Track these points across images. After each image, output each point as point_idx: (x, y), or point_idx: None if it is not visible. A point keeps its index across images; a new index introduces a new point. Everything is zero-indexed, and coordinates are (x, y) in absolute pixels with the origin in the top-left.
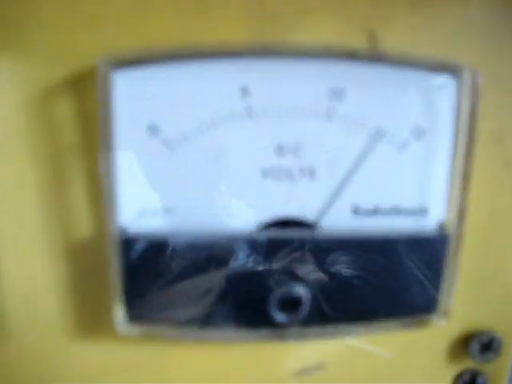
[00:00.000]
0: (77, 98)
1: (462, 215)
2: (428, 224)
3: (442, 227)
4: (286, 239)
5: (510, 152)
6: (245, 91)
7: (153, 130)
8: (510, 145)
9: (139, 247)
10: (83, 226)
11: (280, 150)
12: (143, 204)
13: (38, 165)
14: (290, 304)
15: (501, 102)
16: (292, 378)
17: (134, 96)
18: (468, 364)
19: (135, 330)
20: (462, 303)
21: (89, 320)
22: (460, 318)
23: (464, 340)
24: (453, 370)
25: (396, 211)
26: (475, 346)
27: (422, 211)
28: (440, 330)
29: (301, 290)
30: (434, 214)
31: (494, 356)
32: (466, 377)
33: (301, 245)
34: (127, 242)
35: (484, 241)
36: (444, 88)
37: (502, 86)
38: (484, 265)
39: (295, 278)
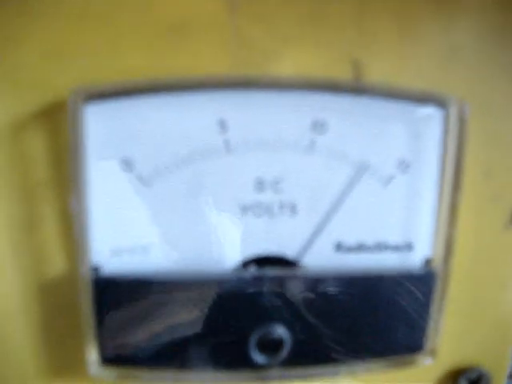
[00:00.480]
0: (48, 131)
1: (448, 251)
2: (414, 260)
3: (428, 263)
4: (266, 277)
5: (498, 185)
6: (223, 125)
7: (127, 164)
8: (498, 178)
9: (113, 287)
10: (55, 264)
11: (260, 185)
12: (117, 242)
13: (7, 200)
14: (271, 345)
15: (489, 133)
16: None
17: (106, 129)
18: None
19: (109, 372)
20: (450, 339)
21: (62, 361)
22: (447, 355)
23: (452, 377)
24: None
25: (380, 247)
26: (463, 383)
27: (408, 247)
28: (427, 367)
29: (281, 331)
30: (420, 250)
31: None
32: None
33: (281, 283)
34: (100, 283)
35: (471, 276)
36: (430, 119)
37: (490, 116)
38: (471, 301)
39: (275, 317)
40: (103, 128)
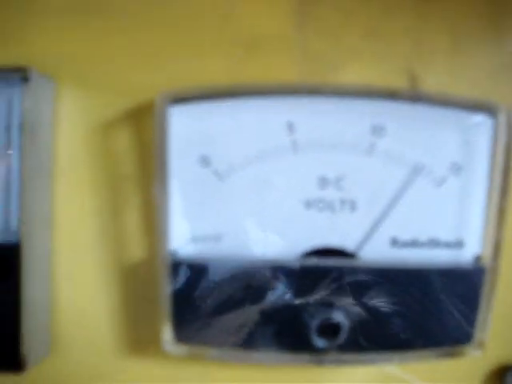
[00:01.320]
0: (135, 131)
1: (497, 249)
2: (464, 257)
3: (478, 260)
4: (327, 268)
5: None
6: (291, 127)
7: (204, 161)
8: None
9: (187, 271)
10: (135, 250)
11: (323, 183)
12: (193, 230)
13: (97, 192)
14: (330, 330)
15: None
16: None
17: (188, 129)
18: None
19: (181, 349)
20: (498, 335)
21: (139, 339)
22: (495, 350)
23: (499, 372)
24: None
25: (433, 243)
26: (510, 379)
27: (459, 244)
28: (475, 362)
29: (340, 317)
30: (471, 247)
31: None
32: None
33: (340, 274)
34: (176, 266)
35: None
36: (481, 127)
37: None
38: None
39: (335, 305)
40: (185, 128)
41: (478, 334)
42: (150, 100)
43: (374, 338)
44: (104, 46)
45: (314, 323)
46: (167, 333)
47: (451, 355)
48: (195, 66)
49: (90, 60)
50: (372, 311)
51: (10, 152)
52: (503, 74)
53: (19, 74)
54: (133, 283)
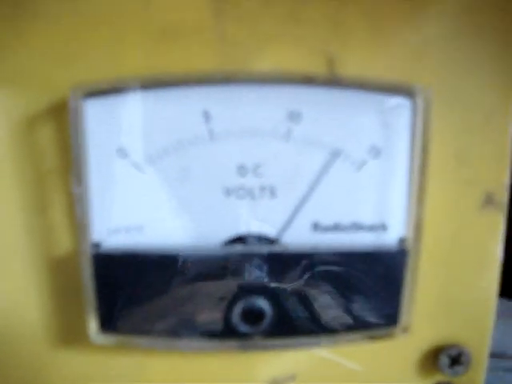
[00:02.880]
0: (56, 126)
1: (419, 231)
2: (388, 239)
3: (401, 242)
4: (249, 254)
5: (471, 170)
6: (207, 115)
7: (122, 152)
8: (471, 164)
9: (110, 262)
10: (62, 243)
11: (242, 170)
12: (115, 222)
13: (21, 187)
14: (253, 316)
15: (461, 122)
16: None
17: (103, 122)
18: (440, 378)
19: (108, 339)
20: (430, 317)
21: (67, 330)
22: (427, 331)
23: (433, 354)
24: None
25: (356, 227)
26: (444, 360)
27: (382, 227)
28: (408, 343)
29: (262, 303)
30: (394, 230)
31: (464, 370)
32: None
33: (263, 259)
34: (99, 258)
35: (449, 256)
36: (399, 109)
37: (460, 106)
38: (450, 280)
39: (257, 291)
40: (101, 121)
41: (403, 317)
42: (68, 95)
43: (299, 322)
44: (23, 45)
45: (238, 310)
46: (93, 323)
47: (378, 338)
48: (112, 58)
49: (11, 58)
50: (296, 296)
51: None
52: (423, 57)
53: None
54: (61, 275)
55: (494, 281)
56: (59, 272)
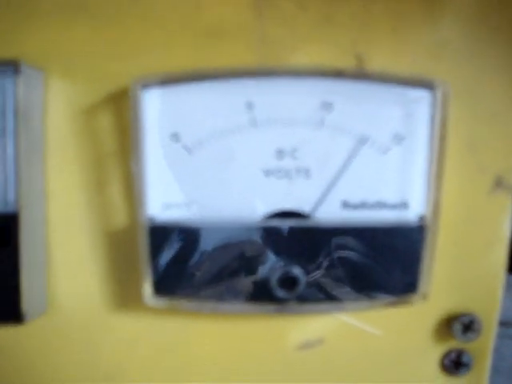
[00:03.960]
0: (115, 113)
1: (437, 209)
2: (409, 217)
3: (421, 219)
4: (286, 227)
5: (483, 158)
6: (250, 105)
7: (175, 137)
8: (483, 151)
9: (163, 233)
10: (118, 218)
11: (280, 154)
12: (168, 198)
13: (83, 168)
14: (289, 283)
15: (474, 113)
16: (295, 351)
17: (159, 110)
18: (453, 343)
19: (160, 302)
20: (445, 288)
21: (123, 296)
22: (442, 301)
23: (447, 321)
24: (440, 349)
25: (380, 205)
26: (457, 327)
27: (404, 205)
28: (425, 311)
29: (297, 271)
30: (415, 208)
31: (475, 336)
32: (453, 355)
33: (298, 233)
34: (154, 230)
35: (461, 234)
36: (420, 100)
37: (474, 98)
38: (463, 254)
39: (294, 260)
40: (157, 109)
41: (422, 285)
42: (126, 86)
43: (329, 289)
44: (86, 40)
45: (275, 277)
46: (148, 288)
47: (398, 304)
48: (165, 54)
49: (74, 53)
50: (326, 266)
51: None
52: (442, 54)
53: (11, 67)
54: (117, 247)
55: (503, 256)
56: (116, 243)
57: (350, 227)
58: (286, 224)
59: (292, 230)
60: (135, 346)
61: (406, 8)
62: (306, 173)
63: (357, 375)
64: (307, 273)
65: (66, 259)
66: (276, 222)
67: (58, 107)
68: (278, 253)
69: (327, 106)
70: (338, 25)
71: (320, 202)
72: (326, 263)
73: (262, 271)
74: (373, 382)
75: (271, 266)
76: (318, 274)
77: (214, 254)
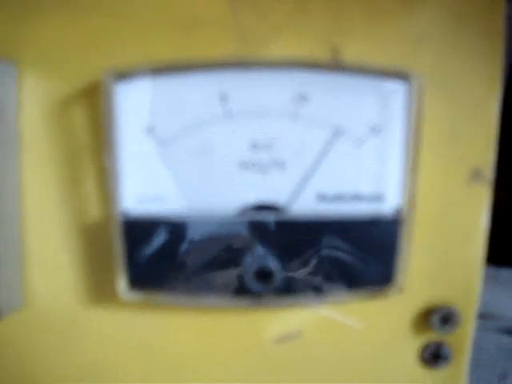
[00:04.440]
0: (88, 106)
1: (413, 201)
2: (385, 209)
3: (397, 212)
4: (262, 221)
5: (461, 150)
6: (224, 97)
7: (149, 130)
8: (460, 143)
9: (137, 227)
10: (92, 212)
11: (254, 146)
12: (142, 192)
13: (57, 161)
14: (264, 276)
15: (451, 103)
16: (272, 345)
17: (132, 103)
18: (432, 336)
19: (135, 295)
20: (423, 280)
21: (98, 290)
22: (421, 293)
23: (426, 313)
24: (418, 342)
25: (356, 198)
26: (436, 319)
27: (380, 198)
28: (403, 304)
29: (273, 264)
30: (390, 201)
31: (453, 328)
32: (431, 348)
33: (273, 226)
34: (128, 223)
35: (440, 225)
36: (396, 92)
37: (454, 91)
38: (441, 247)
39: (269, 253)
40: (130, 102)
41: (398, 278)
42: (100, 79)
43: (304, 282)
44: (58, 33)
45: (251, 270)
46: (122, 282)
47: (375, 296)
48: (139, 46)
49: (47, 46)
50: (302, 258)
51: None
52: (418, 45)
53: None
54: (93, 241)
55: (480, 248)
56: (91, 238)
57: (325, 220)
58: (261, 217)
59: (267, 223)
60: (112, 341)
61: None
62: (281, 165)
63: (335, 368)
64: (283, 266)
65: (41, 254)
66: (251, 215)
67: (31, 102)
68: (253, 246)
69: (302, 98)
70: (312, 15)
71: (295, 194)
72: (302, 256)
73: (238, 264)
74: (351, 376)
75: (247, 259)
76: (294, 268)
77: (190, 247)
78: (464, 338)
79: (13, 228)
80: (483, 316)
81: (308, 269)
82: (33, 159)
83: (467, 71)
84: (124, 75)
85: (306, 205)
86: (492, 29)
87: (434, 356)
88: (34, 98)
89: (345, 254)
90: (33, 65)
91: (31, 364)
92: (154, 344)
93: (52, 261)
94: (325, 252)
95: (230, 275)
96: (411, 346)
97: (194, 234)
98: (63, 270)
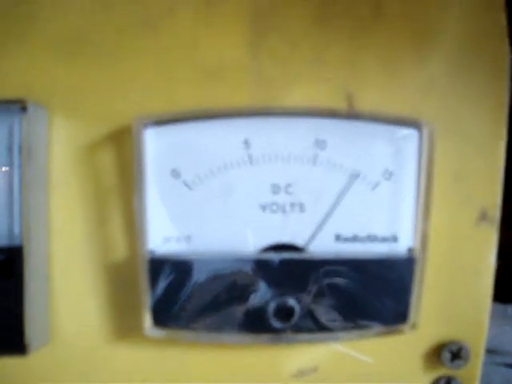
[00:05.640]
0: (115, 149)
1: (425, 242)
2: (398, 249)
3: (410, 252)
4: (281, 260)
5: (467, 188)
6: (247, 143)
7: (175, 173)
8: (468, 182)
9: (163, 266)
10: (118, 251)
11: (275, 189)
12: (167, 232)
13: (84, 203)
14: (284, 313)
15: (459, 146)
16: (290, 380)
17: (160, 148)
18: (442, 371)
19: (159, 333)
20: (433, 317)
21: (122, 327)
22: (431, 329)
23: (436, 349)
24: (429, 376)
25: (371, 238)
26: (446, 355)
27: (393, 238)
28: (414, 340)
29: (292, 302)
30: (404, 241)
31: (463, 363)
32: (442, 382)
33: (293, 265)
34: (154, 262)
35: (449, 264)
36: (408, 139)
37: (459, 133)
38: (451, 285)
39: (289, 291)
40: (158, 146)
41: (411, 315)
42: (127, 123)
43: (322, 319)
44: (88, 79)
45: (272, 307)
46: (147, 319)
47: (389, 333)
48: (165, 92)
49: (77, 91)
50: (320, 296)
51: (5, 169)
52: (430, 91)
53: (18, 105)
54: (117, 279)
55: (489, 286)
56: (116, 276)
57: (342, 259)
58: (281, 257)
59: (287, 262)
60: (135, 376)
61: (394, 50)
62: (300, 207)
63: None
64: (302, 304)
65: (68, 291)
66: (272, 255)
67: (60, 143)
68: (273, 285)
69: (320, 144)
70: (329, 65)
71: (314, 235)
72: (319, 294)
73: (258, 302)
74: None
75: (267, 297)
76: (313, 305)
77: (211, 285)
78: (474, 372)
79: (41, 265)
80: (490, 351)
81: (325, 307)
82: (61, 199)
83: (473, 117)
84: (153, 122)
85: (324, 245)
86: (497, 74)
87: None
88: (63, 140)
89: (360, 292)
90: (62, 108)
91: None
92: (175, 379)
93: (78, 298)
94: (342, 290)
95: (250, 313)
96: (422, 380)
97: (215, 272)
98: (88, 307)
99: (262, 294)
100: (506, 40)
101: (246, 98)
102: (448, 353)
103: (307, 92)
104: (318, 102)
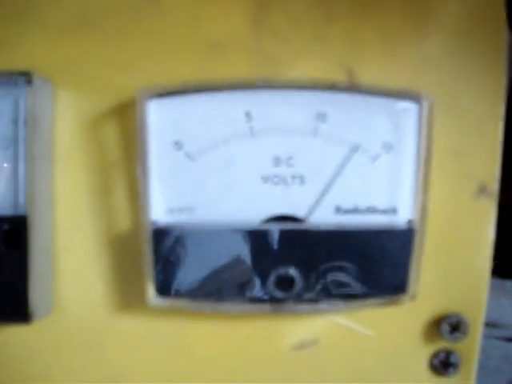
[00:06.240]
0: (119, 122)
1: (424, 214)
2: (398, 221)
3: (409, 223)
4: (282, 230)
5: (468, 165)
6: (248, 115)
7: (177, 145)
8: (468, 159)
9: (166, 237)
10: (123, 222)
11: (276, 161)
12: (170, 204)
13: (89, 175)
14: (286, 283)
15: (459, 123)
16: (290, 352)
17: (163, 120)
18: (442, 344)
19: (163, 302)
20: (433, 289)
21: (126, 297)
22: (431, 302)
23: (435, 322)
24: (429, 349)
25: (371, 210)
26: (445, 327)
27: (393, 210)
28: (413, 313)
29: (293, 272)
30: (403, 213)
31: (462, 336)
32: (441, 355)
33: (293, 235)
34: (157, 233)
35: (448, 237)
36: (407, 111)
37: (460, 109)
38: (450, 257)
39: (290, 261)
40: (161, 118)
41: (410, 286)
42: (131, 97)
43: (322, 290)
44: (92, 53)
45: (273, 277)
46: (150, 289)
47: (389, 304)
48: (167, 66)
49: (81, 66)
50: (321, 267)
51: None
52: (426, 67)
53: (24, 78)
54: (121, 250)
55: (487, 259)
56: (120, 247)
57: (342, 231)
58: (281, 227)
59: (287, 233)
60: (138, 347)
61: (393, 24)
62: (301, 179)
63: (349, 375)
64: (303, 274)
65: (72, 261)
66: (272, 226)
67: (65, 117)
68: (274, 255)
69: (321, 117)
70: (330, 41)
71: (314, 207)
72: (320, 265)
73: (260, 272)
74: (364, 382)
75: (268, 267)
76: (313, 276)
77: (213, 256)
78: (472, 346)
79: (46, 235)
80: (489, 324)
81: (325, 277)
82: (65, 171)
83: (472, 92)
84: (156, 94)
85: (323, 216)
86: (495, 50)
87: (443, 364)
88: (68, 114)
89: (360, 263)
90: (67, 81)
91: (58, 368)
92: (178, 350)
93: (81, 269)
94: (341, 261)
95: (252, 283)
96: (421, 353)
97: (217, 243)
98: (92, 278)
99: (263, 265)
100: (504, 18)
101: (247, 73)
102: (447, 325)
103: (309, 67)
104: (319, 76)
